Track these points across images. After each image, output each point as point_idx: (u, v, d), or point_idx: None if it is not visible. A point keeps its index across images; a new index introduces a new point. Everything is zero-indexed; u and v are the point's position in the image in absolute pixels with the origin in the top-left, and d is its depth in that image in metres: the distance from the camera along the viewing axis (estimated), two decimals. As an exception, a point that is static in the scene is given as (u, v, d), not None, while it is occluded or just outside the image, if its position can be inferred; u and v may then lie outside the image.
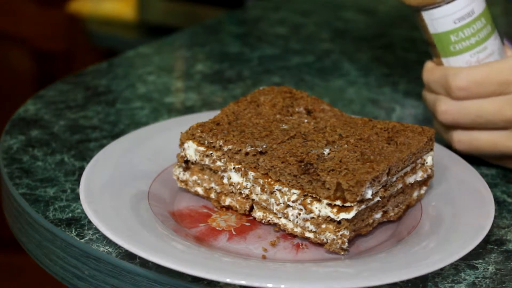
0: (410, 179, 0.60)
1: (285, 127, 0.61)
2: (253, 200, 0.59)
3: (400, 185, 0.59)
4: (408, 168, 0.59)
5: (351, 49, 1.00)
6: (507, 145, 0.65)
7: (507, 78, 0.64)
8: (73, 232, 0.57)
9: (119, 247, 0.55)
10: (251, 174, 0.57)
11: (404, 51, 0.99)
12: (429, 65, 0.69)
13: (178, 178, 0.62)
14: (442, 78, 0.66)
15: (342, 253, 0.55)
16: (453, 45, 0.66)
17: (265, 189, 0.57)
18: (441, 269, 0.55)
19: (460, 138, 0.67)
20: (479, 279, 0.54)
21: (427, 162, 0.61)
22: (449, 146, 0.71)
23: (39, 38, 1.80)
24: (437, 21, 0.65)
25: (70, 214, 0.59)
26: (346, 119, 0.63)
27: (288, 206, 0.56)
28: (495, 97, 0.64)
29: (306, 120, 0.62)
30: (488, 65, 0.65)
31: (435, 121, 0.70)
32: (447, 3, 0.64)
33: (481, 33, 0.66)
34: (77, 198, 0.61)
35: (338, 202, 0.54)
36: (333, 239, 0.55)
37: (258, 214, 0.59)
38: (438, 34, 0.66)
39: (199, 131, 0.59)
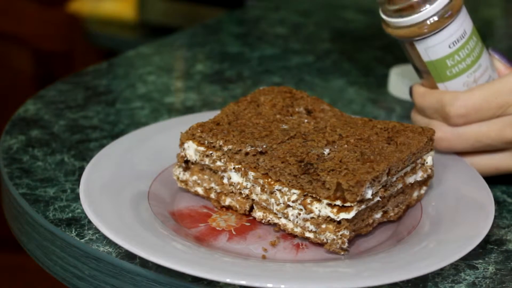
0: (410, 179, 0.60)
1: (285, 127, 0.61)
2: (253, 200, 0.59)
3: (400, 185, 0.59)
4: (408, 168, 0.59)
5: (351, 49, 1.00)
6: (509, 166, 0.64)
7: (506, 100, 0.62)
8: (73, 232, 0.57)
9: (119, 247, 0.55)
10: (251, 174, 0.57)
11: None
12: (420, 89, 0.66)
13: (178, 178, 0.62)
14: (438, 105, 0.64)
15: (342, 253, 0.55)
16: (450, 70, 0.64)
17: (265, 189, 0.57)
18: (441, 269, 0.55)
19: None
20: (479, 279, 0.54)
21: (427, 162, 0.61)
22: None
23: (39, 38, 1.80)
24: (432, 48, 0.63)
25: (70, 214, 0.59)
26: (346, 119, 0.63)
27: (288, 206, 0.56)
28: (494, 120, 0.63)
29: (306, 120, 0.62)
30: (485, 88, 0.63)
31: None
32: (440, 30, 0.62)
33: (475, 51, 0.64)
34: (77, 198, 0.61)
35: (338, 202, 0.54)
36: (333, 239, 0.55)
37: (258, 214, 0.59)
38: (433, 61, 0.64)
39: (199, 131, 0.60)
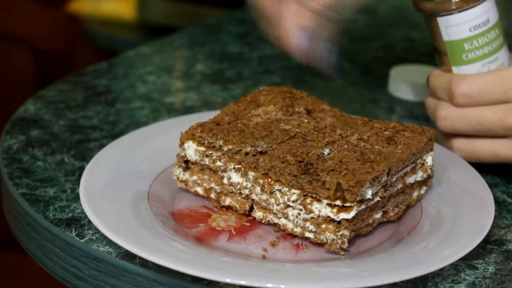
0: (410, 179, 0.60)
1: (285, 127, 0.61)
2: (253, 200, 0.59)
3: (400, 185, 0.59)
4: (408, 168, 0.59)
5: (351, 49, 1.00)
6: (508, 154, 0.64)
7: (511, 86, 0.62)
8: (73, 232, 0.57)
9: (119, 247, 0.55)
10: (251, 174, 0.57)
11: (404, 51, 0.99)
12: (436, 72, 0.68)
13: (178, 178, 0.62)
14: (446, 84, 0.65)
15: (342, 253, 0.55)
16: (466, 54, 0.65)
17: (265, 189, 0.57)
18: (441, 269, 0.55)
19: (460, 146, 0.66)
20: (479, 279, 0.54)
21: (427, 162, 0.61)
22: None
23: (39, 38, 1.80)
24: (452, 28, 0.64)
25: (70, 214, 0.59)
26: (346, 119, 0.63)
27: (288, 206, 0.56)
28: (498, 105, 0.63)
29: (306, 120, 0.62)
30: (493, 73, 0.64)
31: (436, 128, 0.69)
32: (463, 10, 0.63)
33: (494, 43, 0.65)
34: (77, 198, 0.61)
35: (338, 202, 0.54)
36: (333, 239, 0.55)
37: (258, 214, 0.59)
38: (451, 41, 0.65)
39: (199, 131, 0.60)
